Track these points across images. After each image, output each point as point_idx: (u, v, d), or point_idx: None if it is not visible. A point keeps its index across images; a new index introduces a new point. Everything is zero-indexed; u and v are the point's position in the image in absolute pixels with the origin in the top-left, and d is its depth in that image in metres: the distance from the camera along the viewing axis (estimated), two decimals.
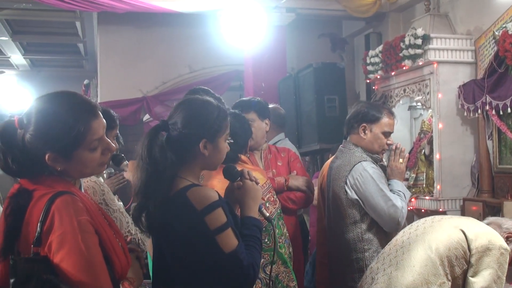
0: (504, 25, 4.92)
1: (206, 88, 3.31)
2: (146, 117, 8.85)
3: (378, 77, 6.32)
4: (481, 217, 5.14)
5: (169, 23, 7.97)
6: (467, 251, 2.73)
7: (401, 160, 3.42)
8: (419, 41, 5.53)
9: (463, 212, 5.43)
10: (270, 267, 2.77)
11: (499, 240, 2.80)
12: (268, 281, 2.79)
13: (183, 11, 6.63)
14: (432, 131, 5.83)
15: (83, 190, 2.17)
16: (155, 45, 8.27)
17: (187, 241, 2.12)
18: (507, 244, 2.90)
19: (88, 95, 9.16)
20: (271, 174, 3.68)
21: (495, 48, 5.02)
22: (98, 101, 8.07)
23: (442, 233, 2.80)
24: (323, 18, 7.53)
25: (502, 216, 4.80)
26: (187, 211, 2.12)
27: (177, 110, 2.29)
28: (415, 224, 2.98)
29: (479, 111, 5.17)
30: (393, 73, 6.07)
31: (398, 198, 3.22)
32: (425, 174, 5.98)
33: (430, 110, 5.92)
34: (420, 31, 5.53)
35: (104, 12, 7.01)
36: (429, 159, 5.95)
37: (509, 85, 4.78)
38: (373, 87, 6.63)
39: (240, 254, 2.08)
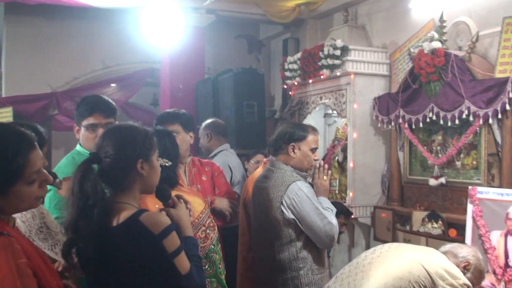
0: (420, 44, 5.14)
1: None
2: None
3: (296, 83, 6.42)
4: (390, 224, 5.40)
5: (84, 17, 7.61)
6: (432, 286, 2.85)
7: (325, 177, 3.51)
8: (338, 52, 5.67)
9: (374, 219, 5.66)
10: None
11: (461, 278, 2.92)
12: None
13: (99, 6, 6.36)
14: (346, 138, 6.03)
15: (17, 224, 2.04)
16: (68, 38, 7.85)
17: (145, 266, 2.11)
18: (465, 273, 3.04)
19: None
20: (196, 190, 3.63)
21: (410, 64, 5.25)
22: (3, 95, 7.59)
23: (402, 265, 2.90)
24: (242, 21, 7.52)
25: (411, 224, 5.07)
26: (144, 237, 2.10)
27: (104, 139, 2.27)
28: (378, 248, 3.09)
29: (393, 123, 5.39)
30: (310, 81, 6.19)
31: (332, 216, 3.30)
32: (338, 180, 6.17)
33: (344, 118, 6.11)
34: (339, 42, 5.67)
35: (14, 2, 6.57)
36: (342, 166, 6.15)
37: (422, 101, 5.02)
38: (289, 93, 6.74)
39: (194, 275, 2.16)
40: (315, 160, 3.51)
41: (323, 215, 3.28)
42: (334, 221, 3.31)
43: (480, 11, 4.92)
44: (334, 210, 3.44)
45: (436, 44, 4.80)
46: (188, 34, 6.32)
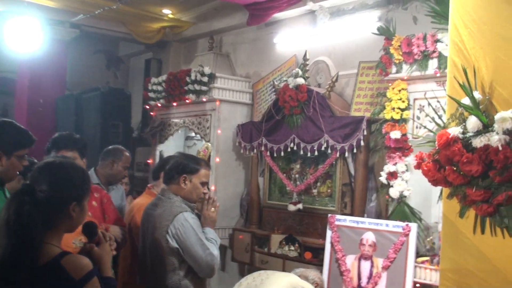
0: (283, 78, 5.53)
1: None
2: None
3: (159, 105, 6.48)
4: (249, 246, 5.66)
5: None
6: None
7: (213, 209, 3.67)
8: (205, 79, 5.86)
9: (232, 241, 5.89)
10: None
11: None
12: None
13: None
14: None
15: None
16: None
17: None
18: None
19: None
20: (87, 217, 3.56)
21: (273, 96, 5.61)
22: None
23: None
24: (102, 37, 7.38)
25: (269, 246, 5.39)
26: (63, 281, 2.06)
27: (41, 173, 2.21)
28: (256, 274, 3.30)
29: (255, 150, 5.69)
30: (175, 104, 6.29)
31: (214, 247, 3.46)
32: None
33: (204, 141, 6.31)
34: (207, 70, 5.87)
35: None
36: None
37: (284, 132, 5.39)
38: (151, 113, 6.77)
39: None
40: (204, 193, 3.65)
41: (206, 246, 3.44)
42: (215, 252, 3.48)
43: (339, 53, 5.44)
44: (219, 241, 3.61)
45: (300, 81, 5.20)
46: (50, 47, 6.09)
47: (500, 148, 2.35)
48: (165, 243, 3.40)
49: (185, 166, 3.58)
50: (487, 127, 2.44)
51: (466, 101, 2.52)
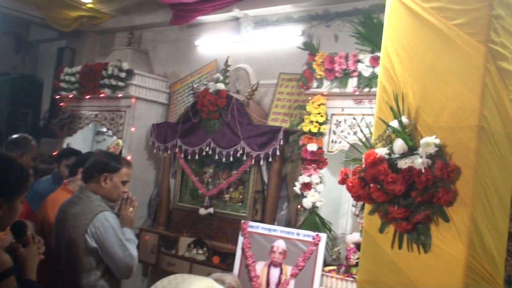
0: (203, 81, 5.55)
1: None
2: None
3: (71, 96, 6.27)
4: (155, 247, 5.61)
5: None
6: None
7: (131, 209, 3.62)
8: (123, 74, 5.75)
9: (138, 241, 5.78)
10: None
11: None
12: None
13: None
14: None
15: None
16: None
17: None
18: None
19: None
20: None
21: (191, 98, 5.60)
22: None
23: None
24: (13, 18, 7.01)
25: (177, 249, 5.36)
26: None
27: None
28: (172, 277, 3.25)
29: (168, 151, 5.65)
30: (88, 97, 6.11)
31: (134, 247, 3.41)
32: None
33: (114, 138, 6.17)
34: (125, 65, 5.75)
35: None
36: None
37: (200, 135, 5.39)
38: (60, 103, 6.52)
39: None
40: (124, 192, 3.59)
41: (125, 246, 3.39)
42: (134, 252, 3.43)
43: (260, 62, 5.53)
44: (136, 241, 3.57)
45: (221, 86, 5.23)
46: None
47: (423, 171, 2.53)
48: (83, 242, 3.31)
49: (106, 164, 3.50)
50: (411, 150, 2.62)
51: (394, 124, 2.68)
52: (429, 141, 2.54)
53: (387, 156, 2.68)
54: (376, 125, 2.88)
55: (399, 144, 2.64)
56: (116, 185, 3.52)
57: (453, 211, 2.53)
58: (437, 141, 2.55)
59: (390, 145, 2.70)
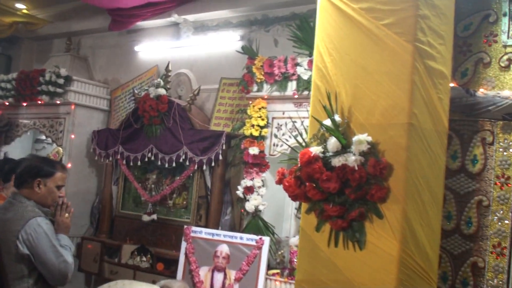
0: (144, 87, 5.49)
1: None
2: None
3: (7, 103, 6.09)
4: (98, 255, 5.49)
5: None
6: None
7: (67, 214, 3.51)
8: (61, 81, 5.63)
9: (80, 250, 5.66)
10: None
11: None
12: None
13: None
14: None
15: None
16: None
17: None
18: None
19: None
20: None
21: (132, 104, 5.53)
22: None
23: None
24: None
25: (120, 257, 5.27)
26: None
27: None
28: (113, 283, 3.17)
29: (110, 158, 5.55)
30: (25, 104, 5.95)
31: (69, 254, 3.30)
32: None
33: (54, 145, 6.03)
34: (63, 71, 5.64)
35: None
36: None
37: (142, 141, 5.33)
38: None
39: None
40: (60, 197, 3.49)
41: (60, 253, 3.29)
42: (70, 259, 3.33)
43: (201, 67, 5.53)
44: (73, 247, 3.47)
45: (162, 91, 5.19)
46: None
47: (356, 168, 2.57)
48: (15, 249, 3.19)
49: (39, 169, 3.39)
50: (345, 148, 2.65)
51: (327, 122, 2.71)
52: (361, 139, 2.58)
53: (321, 155, 2.70)
54: (311, 124, 2.91)
55: (332, 142, 2.67)
56: (50, 190, 3.41)
57: (386, 208, 2.57)
58: (369, 138, 2.59)
59: (324, 144, 2.72)
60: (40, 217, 3.29)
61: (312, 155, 2.70)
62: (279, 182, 2.97)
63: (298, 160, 2.79)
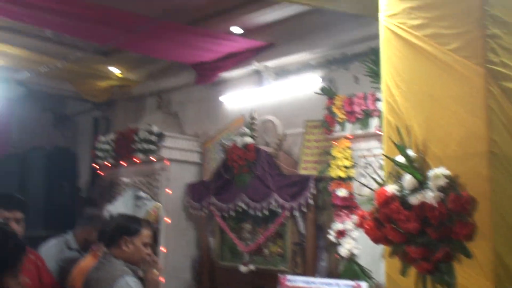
0: (232, 137, 5.55)
1: None
2: None
3: (107, 164, 6.38)
4: None
5: None
6: None
7: (156, 271, 3.55)
8: (153, 138, 5.83)
9: None
10: None
11: None
12: None
13: None
14: (157, 222, 6.09)
15: None
16: None
17: None
18: None
19: None
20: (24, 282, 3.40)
21: (222, 155, 5.60)
22: None
23: None
24: (50, 95, 7.30)
25: None
26: None
27: None
28: None
29: (205, 210, 5.62)
30: (123, 163, 6.21)
31: None
32: None
33: (156, 202, 6.20)
34: (155, 128, 5.84)
35: None
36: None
37: (233, 191, 5.35)
38: (99, 172, 6.64)
39: None
40: (147, 254, 3.54)
41: None
42: None
43: (285, 111, 5.51)
44: None
45: (248, 140, 5.22)
46: None
47: (436, 205, 2.38)
48: None
49: (125, 228, 3.48)
50: (422, 184, 2.47)
51: (399, 159, 2.55)
52: (437, 173, 2.39)
53: (398, 193, 2.54)
54: (386, 162, 2.75)
55: (408, 179, 2.50)
56: (138, 248, 3.48)
57: (475, 246, 2.34)
58: (447, 172, 2.39)
59: (400, 182, 2.56)
60: (128, 275, 3.34)
61: (388, 194, 2.54)
62: (360, 225, 2.82)
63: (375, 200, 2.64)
